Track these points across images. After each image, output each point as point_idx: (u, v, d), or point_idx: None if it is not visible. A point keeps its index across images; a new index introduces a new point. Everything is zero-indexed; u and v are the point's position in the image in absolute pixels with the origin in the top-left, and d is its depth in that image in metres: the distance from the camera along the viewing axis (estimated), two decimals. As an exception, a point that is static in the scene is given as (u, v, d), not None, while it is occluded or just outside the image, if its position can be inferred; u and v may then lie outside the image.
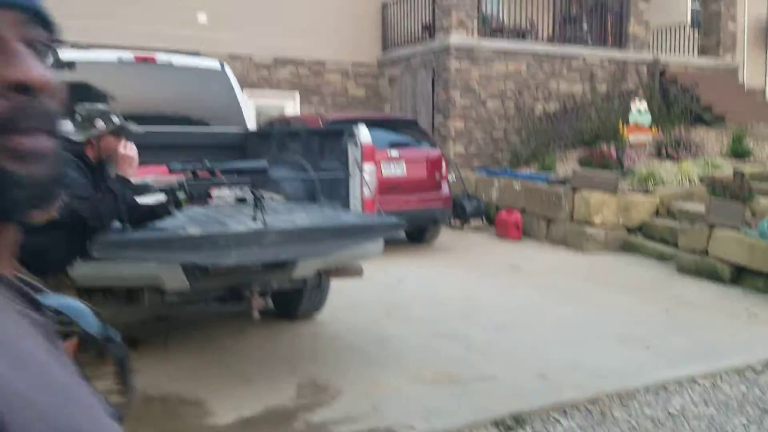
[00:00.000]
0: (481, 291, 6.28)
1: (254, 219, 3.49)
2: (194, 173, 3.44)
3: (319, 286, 4.28)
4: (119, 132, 3.15)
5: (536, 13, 12.52)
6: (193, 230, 3.27)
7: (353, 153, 4.24)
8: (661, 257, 7.86)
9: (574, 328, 5.09)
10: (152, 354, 4.23)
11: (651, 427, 3.49)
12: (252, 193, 3.51)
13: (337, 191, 4.36)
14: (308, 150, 4.71)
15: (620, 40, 12.95)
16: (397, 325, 5.06)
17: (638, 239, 8.43)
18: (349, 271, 4.37)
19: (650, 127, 10.56)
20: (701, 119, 12.00)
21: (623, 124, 10.46)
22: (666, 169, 9.30)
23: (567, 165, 10.26)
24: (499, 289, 6.39)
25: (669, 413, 3.65)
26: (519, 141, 11.23)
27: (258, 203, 3.43)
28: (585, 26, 12.98)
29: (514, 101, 11.60)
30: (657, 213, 8.67)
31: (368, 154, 4.23)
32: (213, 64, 6.06)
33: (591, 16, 13.09)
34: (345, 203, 4.32)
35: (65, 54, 5.40)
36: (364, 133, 4.24)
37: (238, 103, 6.05)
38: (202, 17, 11.54)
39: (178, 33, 10.99)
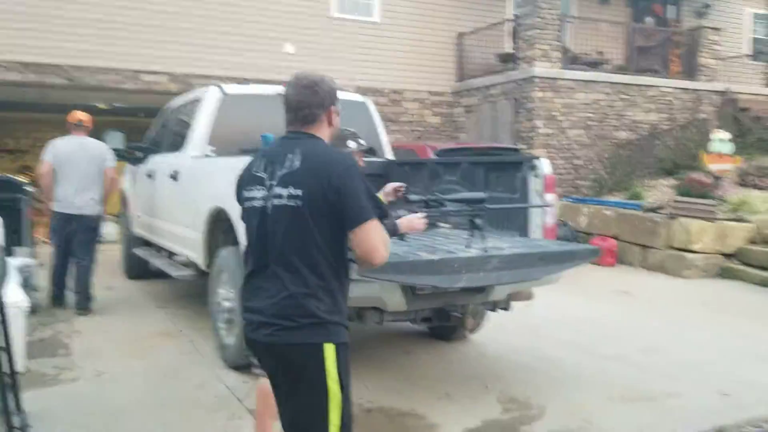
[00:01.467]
0: (605, 316, 6.51)
1: (467, 246, 3.80)
2: (426, 203, 3.75)
3: (506, 309, 4.55)
4: (366, 151, 3.51)
5: (606, 43, 12.86)
6: (432, 255, 3.57)
7: (534, 183, 4.53)
8: (765, 283, 8.04)
9: (724, 351, 5.30)
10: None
11: None
12: (471, 221, 3.81)
13: (511, 220, 4.64)
14: (469, 180, 5.00)
15: (691, 70, 13.20)
16: (552, 346, 5.30)
17: (736, 265, 8.61)
18: (524, 295, 4.65)
19: (732, 156, 10.77)
20: (771, 148, 12.18)
21: (705, 153, 10.69)
22: (756, 197, 9.50)
23: (653, 192, 10.50)
24: (622, 314, 6.62)
25: None
26: (602, 169, 11.49)
27: (478, 231, 3.73)
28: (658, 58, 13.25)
29: (593, 130, 11.87)
30: (751, 240, 8.86)
31: (550, 185, 4.52)
32: (357, 97, 6.44)
33: (663, 47, 13.38)
34: (522, 232, 4.61)
35: (234, 89, 5.81)
36: (546, 165, 4.53)
37: (379, 134, 6.42)
38: (289, 47, 12.00)
39: (267, 63, 11.49)
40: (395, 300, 3.89)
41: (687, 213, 8.86)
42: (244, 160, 4.53)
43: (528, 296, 4.72)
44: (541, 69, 11.43)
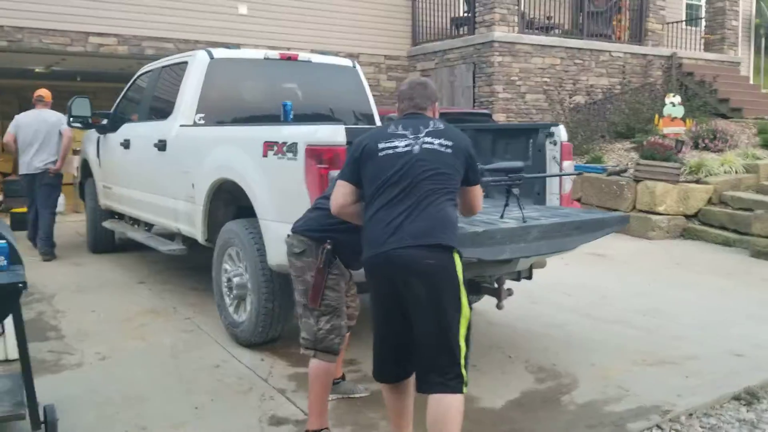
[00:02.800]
0: (592, 279, 6.63)
1: (502, 216, 3.76)
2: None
3: (529, 278, 4.54)
4: None
5: (554, 7, 12.94)
6: (476, 227, 3.50)
7: (551, 151, 4.51)
8: (726, 243, 8.40)
9: (716, 311, 5.50)
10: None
11: None
12: (508, 191, 3.75)
13: (527, 188, 4.61)
14: (488, 148, 4.94)
15: (639, 35, 13.50)
16: (553, 312, 5.37)
17: (697, 226, 8.95)
18: (541, 263, 4.67)
19: (683, 119, 11.12)
20: (719, 112, 12.67)
21: (659, 116, 11.01)
22: (712, 159, 9.86)
23: (611, 156, 10.75)
24: (606, 277, 6.77)
25: None
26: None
27: (517, 201, 3.68)
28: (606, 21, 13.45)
29: (550, 94, 12.01)
30: (710, 201, 9.22)
31: (567, 152, 4.51)
32: (346, 62, 6.23)
33: (612, 12, 13.59)
34: (539, 200, 4.60)
35: (222, 53, 5.51)
36: (562, 132, 4.51)
37: (368, 99, 6.25)
38: (242, 8, 11.52)
39: (217, 25, 11.01)
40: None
41: (651, 176, 9.11)
42: (257, 129, 4.37)
43: (543, 264, 4.73)
44: (500, 33, 11.41)
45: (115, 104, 6.89)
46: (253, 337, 4.40)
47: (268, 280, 4.22)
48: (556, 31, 13.14)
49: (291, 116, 5.18)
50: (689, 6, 17.47)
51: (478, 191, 2.85)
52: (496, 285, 4.15)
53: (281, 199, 3.99)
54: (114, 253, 7.64)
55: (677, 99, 11.16)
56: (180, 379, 4.02)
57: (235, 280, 4.52)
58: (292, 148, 3.82)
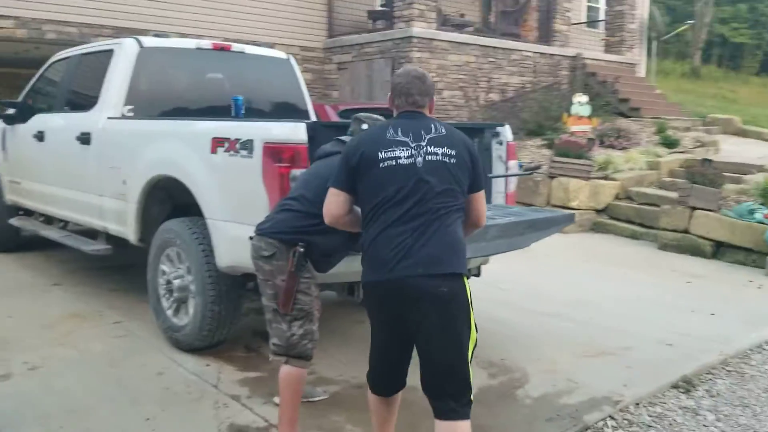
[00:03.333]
0: (518, 273, 6.77)
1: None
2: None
3: (477, 275, 4.60)
4: None
5: (465, 6, 13.23)
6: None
7: (497, 150, 4.59)
8: (633, 236, 8.89)
9: (638, 302, 5.80)
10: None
11: (781, 380, 4.24)
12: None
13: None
14: None
15: (547, 35, 14.00)
16: (490, 307, 5.45)
17: (606, 220, 9.42)
18: (485, 260, 4.75)
19: (590, 118, 11.65)
20: (620, 111, 13.36)
21: (567, 115, 11.48)
22: (617, 156, 10.39)
23: (524, 153, 11.09)
24: (532, 271, 6.97)
25: (783, 369, 4.44)
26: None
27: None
28: (517, 21, 13.87)
29: (466, 91, 12.24)
30: (617, 197, 9.72)
31: (512, 152, 4.61)
32: (280, 54, 6.08)
33: (520, 11, 14.02)
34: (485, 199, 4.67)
35: (152, 42, 5.25)
36: (508, 133, 4.60)
37: (303, 93, 6.13)
38: (151, -6, 11.00)
39: (123, 9, 10.50)
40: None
41: (564, 173, 9.49)
42: (205, 124, 4.17)
43: (487, 261, 4.81)
44: (419, 29, 11.51)
45: (24, 92, 6.40)
46: (197, 341, 4.22)
47: (215, 282, 4.05)
48: (469, 29, 13.41)
49: (243, 111, 4.99)
50: (590, 8, 18.31)
51: (482, 198, 2.66)
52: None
53: (234, 199, 3.83)
54: (18, 252, 7.11)
55: (584, 98, 11.67)
56: (123, 388, 3.79)
57: (176, 282, 4.30)
58: (247, 145, 3.67)
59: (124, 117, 5.01)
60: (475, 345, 2.53)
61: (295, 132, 3.53)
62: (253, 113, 5.54)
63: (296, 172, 3.47)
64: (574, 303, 5.66)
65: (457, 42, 12.13)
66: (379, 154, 2.48)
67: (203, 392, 3.77)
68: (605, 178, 9.82)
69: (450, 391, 2.45)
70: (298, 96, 6.07)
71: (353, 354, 4.32)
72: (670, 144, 11.31)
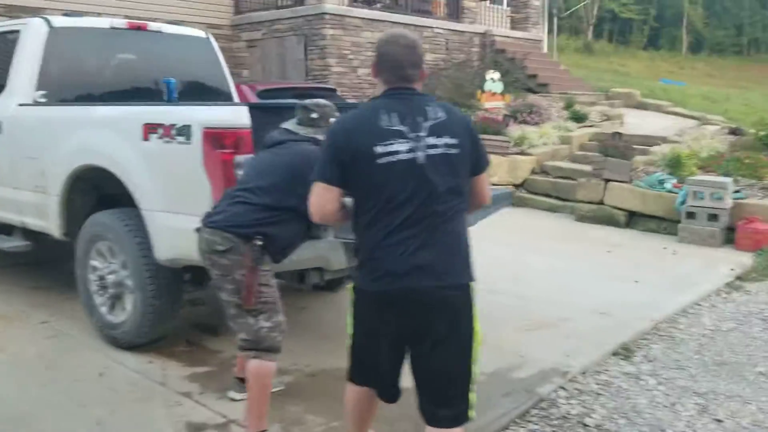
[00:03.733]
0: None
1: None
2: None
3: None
4: None
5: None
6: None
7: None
8: (551, 209, 9.20)
9: (567, 274, 6.01)
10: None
11: (707, 341, 4.52)
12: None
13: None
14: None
15: (457, 12, 14.14)
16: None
17: (525, 194, 9.69)
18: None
19: (503, 94, 11.92)
20: (528, 87, 13.72)
21: (481, 91, 11.69)
22: (531, 131, 10.68)
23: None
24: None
25: (707, 328, 4.73)
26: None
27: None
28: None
29: (379, 69, 12.18)
30: (533, 171, 10.02)
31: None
32: (199, 33, 5.83)
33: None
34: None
35: (63, 22, 4.91)
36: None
37: (224, 73, 5.91)
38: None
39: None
40: (339, 258, 3.71)
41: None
42: (134, 110, 3.93)
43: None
44: (331, 6, 11.35)
45: None
46: (137, 338, 4.02)
47: (154, 276, 3.86)
48: (379, 5, 13.34)
49: (176, 95, 4.74)
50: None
51: (486, 178, 2.48)
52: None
53: (172, 188, 3.64)
54: None
55: (496, 75, 11.92)
56: (65, 392, 3.56)
57: (110, 278, 4.07)
58: (184, 131, 3.48)
59: (36, 103, 4.65)
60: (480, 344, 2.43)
61: (237, 116, 3.38)
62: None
63: (240, 158, 3.33)
64: (508, 278, 5.78)
65: (369, 19, 12.05)
66: (376, 148, 2.21)
67: (151, 391, 3.61)
68: (521, 153, 10.08)
69: (446, 399, 2.36)
70: (220, 77, 5.84)
71: (304, 342, 4.25)
72: (579, 118, 11.73)
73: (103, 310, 4.18)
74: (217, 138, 3.37)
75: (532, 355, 4.09)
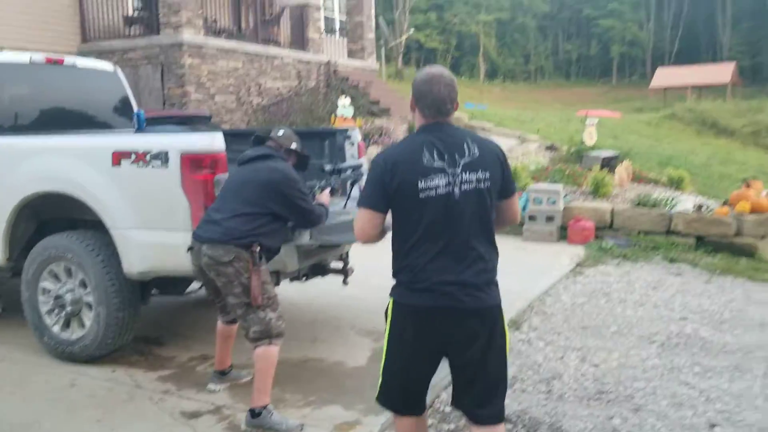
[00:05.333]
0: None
1: (345, 207, 4.52)
2: (337, 172, 4.32)
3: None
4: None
5: (224, 13, 13.66)
6: (343, 216, 4.18)
7: (350, 150, 5.35)
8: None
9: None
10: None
11: (569, 312, 5.69)
12: (352, 184, 4.51)
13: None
14: None
15: (302, 43, 14.97)
16: (343, 288, 6.22)
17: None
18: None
19: (354, 118, 12.91)
20: (372, 112, 14.88)
21: (334, 116, 12.59)
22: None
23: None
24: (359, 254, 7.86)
25: (567, 304, 5.91)
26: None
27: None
28: (276, 29, 14.60)
29: (236, 96, 12.65)
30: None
31: (361, 151, 5.40)
32: (106, 65, 6.09)
33: (276, 19, 14.78)
34: (344, 193, 5.40)
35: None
36: (358, 135, 5.39)
37: (132, 103, 6.23)
38: None
39: None
40: (293, 262, 4.33)
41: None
42: (103, 139, 4.26)
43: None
44: (188, 36, 11.64)
45: None
46: (98, 350, 4.31)
47: (119, 290, 4.21)
48: (224, 35, 13.79)
49: (144, 125, 5.02)
50: (332, 20, 19.74)
51: (516, 200, 2.71)
52: (342, 265, 4.85)
53: (145, 207, 4.03)
54: None
55: (347, 101, 12.89)
56: (49, 402, 3.82)
57: (68, 296, 4.33)
58: (160, 156, 3.93)
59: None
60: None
61: (213, 141, 3.91)
62: (86, 124, 5.55)
63: (220, 177, 3.86)
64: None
65: (224, 49, 12.49)
66: (419, 183, 2.45)
67: (131, 393, 3.97)
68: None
69: (490, 399, 2.60)
70: (128, 105, 6.14)
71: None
72: (423, 139, 13.00)
73: (56, 329, 4.42)
74: (195, 162, 3.86)
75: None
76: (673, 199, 8.89)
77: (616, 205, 8.92)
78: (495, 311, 2.57)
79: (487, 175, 2.52)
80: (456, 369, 2.63)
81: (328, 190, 4.13)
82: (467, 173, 2.49)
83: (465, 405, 2.66)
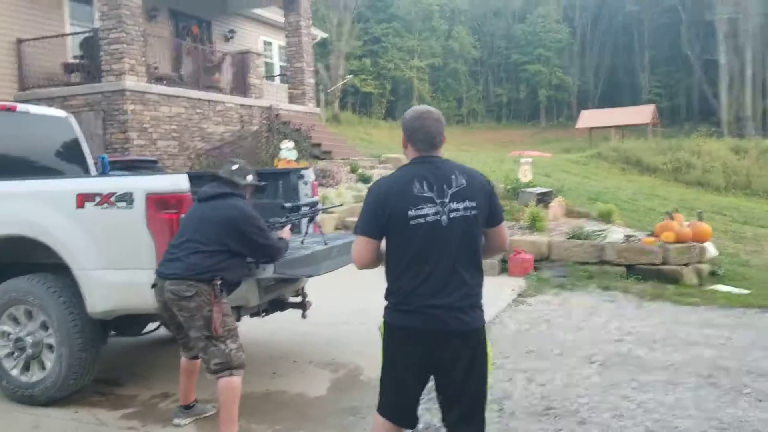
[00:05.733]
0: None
1: (302, 242, 4.75)
2: (296, 209, 4.54)
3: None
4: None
5: (166, 60, 13.83)
6: (305, 251, 4.40)
7: (303, 189, 5.59)
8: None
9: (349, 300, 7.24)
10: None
11: (516, 338, 6.00)
12: (310, 220, 4.75)
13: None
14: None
15: (244, 88, 15.22)
16: (289, 319, 6.38)
17: (332, 249, 10.89)
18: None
19: (297, 161, 13.16)
20: (315, 155, 15.18)
21: (278, 159, 12.82)
22: (332, 192, 12.02)
23: (247, 195, 12.06)
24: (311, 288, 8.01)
25: (513, 330, 6.23)
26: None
27: (319, 228, 4.71)
28: (219, 76, 14.83)
29: (178, 141, 12.74)
30: (336, 227, 11.29)
31: (315, 190, 5.65)
32: (59, 113, 6.20)
33: (220, 67, 15.02)
34: (298, 229, 5.61)
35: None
36: (311, 174, 5.64)
37: (84, 150, 6.33)
38: None
39: None
40: (254, 297, 4.49)
41: (293, 210, 10.72)
42: (64, 182, 4.36)
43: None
44: (131, 82, 11.73)
45: None
46: (60, 392, 4.34)
47: (81, 330, 4.29)
48: (165, 81, 13.93)
49: (108, 168, 5.11)
50: (273, 65, 20.13)
51: (504, 228, 2.88)
52: (300, 299, 5.03)
53: (110, 247, 4.15)
54: None
55: (291, 144, 13.18)
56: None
57: (28, 339, 4.37)
58: (125, 197, 4.07)
59: None
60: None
61: (177, 182, 4.09)
62: (40, 171, 5.62)
63: (183, 215, 4.03)
64: (354, 312, 6.84)
65: (166, 95, 12.62)
66: (409, 212, 2.64)
67: (98, 431, 4.02)
68: (324, 212, 11.31)
69: (470, 415, 2.79)
70: (79, 151, 6.23)
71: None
72: (366, 180, 13.38)
73: (14, 372, 4.44)
74: (161, 202, 4.03)
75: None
76: (603, 231, 9.43)
77: (552, 238, 9.41)
78: (479, 333, 2.74)
79: (474, 204, 2.70)
80: (441, 387, 2.79)
81: (288, 227, 4.34)
82: (455, 202, 2.68)
83: (450, 422, 2.82)
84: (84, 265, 4.20)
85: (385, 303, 2.81)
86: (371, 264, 2.82)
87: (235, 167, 4.04)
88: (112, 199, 4.10)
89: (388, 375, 2.83)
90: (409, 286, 2.68)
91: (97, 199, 4.14)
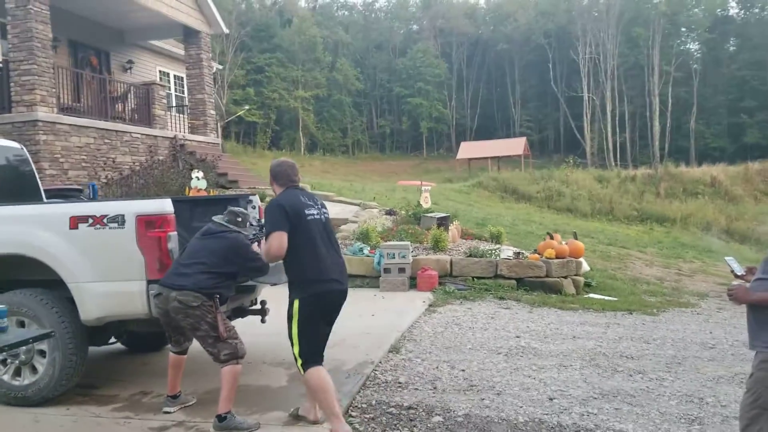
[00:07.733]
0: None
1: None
2: (261, 227, 5.32)
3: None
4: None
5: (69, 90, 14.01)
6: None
7: (252, 213, 6.38)
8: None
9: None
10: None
11: (433, 338, 7.04)
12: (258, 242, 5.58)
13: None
14: (194, 215, 6.36)
15: (149, 119, 15.57)
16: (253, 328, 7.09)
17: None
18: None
19: (207, 190, 13.71)
20: (222, 184, 15.71)
21: (189, 188, 13.32)
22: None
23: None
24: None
25: (430, 333, 7.27)
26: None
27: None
28: (126, 106, 15.09)
29: (88, 170, 12.95)
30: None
31: (262, 214, 6.45)
32: (13, 144, 6.64)
33: (125, 98, 15.29)
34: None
35: None
36: (257, 200, 6.45)
37: (36, 179, 6.80)
38: None
39: None
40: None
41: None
42: (59, 206, 4.93)
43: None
44: (43, 113, 11.90)
45: None
46: (52, 392, 4.87)
47: (73, 336, 4.87)
48: (68, 112, 14.08)
49: (97, 195, 5.60)
50: (170, 96, 20.36)
51: None
52: (260, 306, 5.80)
53: (103, 262, 4.77)
54: None
55: (201, 174, 13.69)
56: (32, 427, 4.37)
57: (22, 347, 4.88)
58: (117, 219, 4.73)
59: None
60: None
61: (163, 205, 4.81)
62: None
63: (171, 234, 4.76)
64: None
65: (77, 125, 12.83)
66: (305, 211, 4.19)
67: (96, 421, 4.63)
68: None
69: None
70: (33, 181, 6.69)
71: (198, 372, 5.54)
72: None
73: (5, 377, 4.92)
74: (149, 222, 4.73)
75: (347, 359, 6.05)
76: (496, 250, 10.77)
77: (453, 256, 10.63)
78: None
79: (325, 210, 4.42)
80: (329, 327, 4.37)
81: (258, 242, 5.15)
82: (322, 208, 4.37)
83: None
84: (78, 279, 4.80)
85: (300, 283, 4.19)
86: (282, 253, 4.10)
87: (239, 218, 4.81)
88: (105, 220, 4.75)
89: (312, 332, 4.20)
90: (315, 263, 4.17)
91: (90, 221, 4.77)
